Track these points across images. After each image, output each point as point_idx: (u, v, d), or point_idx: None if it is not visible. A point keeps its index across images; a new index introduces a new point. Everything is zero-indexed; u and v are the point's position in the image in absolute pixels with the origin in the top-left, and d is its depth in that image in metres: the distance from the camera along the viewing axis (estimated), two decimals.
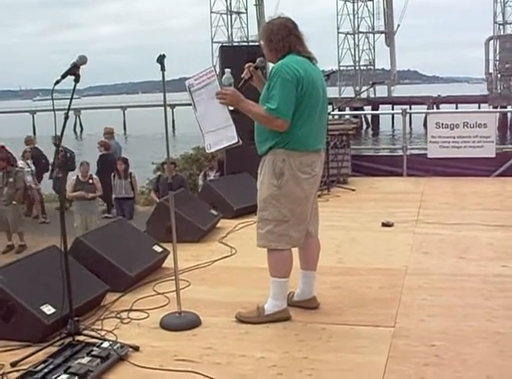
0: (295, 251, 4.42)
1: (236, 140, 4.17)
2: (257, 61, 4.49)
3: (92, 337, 4.05)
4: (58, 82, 3.88)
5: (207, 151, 4.42)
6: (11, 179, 12.11)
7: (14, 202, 12.14)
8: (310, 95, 4.15)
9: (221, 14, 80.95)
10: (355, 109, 55.03)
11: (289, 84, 4.05)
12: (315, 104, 4.21)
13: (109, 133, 14.91)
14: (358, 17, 77.39)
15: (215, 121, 4.23)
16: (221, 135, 4.21)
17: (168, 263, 5.53)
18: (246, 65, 4.42)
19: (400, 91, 78.66)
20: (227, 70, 4.28)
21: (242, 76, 4.40)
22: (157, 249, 5.70)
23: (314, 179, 4.33)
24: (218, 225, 7.30)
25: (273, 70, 4.13)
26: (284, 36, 4.20)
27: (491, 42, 66.26)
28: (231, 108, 4.20)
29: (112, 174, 12.95)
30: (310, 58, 4.29)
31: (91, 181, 11.77)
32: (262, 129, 4.22)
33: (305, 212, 4.35)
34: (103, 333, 4.19)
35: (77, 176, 11.74)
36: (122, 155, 13.93)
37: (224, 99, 4.16)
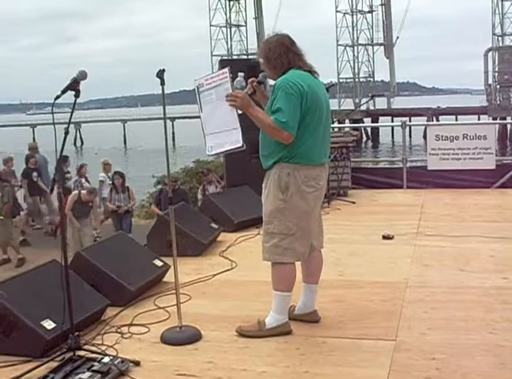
0: (297, 265, 4.41)
1: (240, 144, 4.12)
2: (260, 76, 4.49)
3: (93, 352, 4.04)
4: (58, 97, 3.88)
5: (207, 153, 4.37)
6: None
7: (1, 217, 12.04)
8: (314, 110, 4.17)
9: (221, 27, 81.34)
10: (355, 121, 55.18)
11: (294, 98, 4.07)
12: (319, 118, 4.23)
13: (33, 148, 15.18)
14: (357, 30, 77.82)
15: (221, 122, 4.20)
16: (225, 138, 4.17)
17: (169, 277, 5.52)
18: (250, 81, 4.42)
19: (399, 102, 78.89)
20: (241, 74, 4.27)
21: (245, 91, 4.40)
22: (158, 263, 5.69)
23: (319, 193, 4.34)
24: (219, 238, 7.29)
25: (277, 85, 4.14)
26: (282, 53, 4.21)
27: (490, 53, 66.44)
28: (240, 112, 4.18)
29: (109, 189, 12.97)
30: (312, 72, 4.31)
31: (90, 203, 11.74)
32: (268, 143, 4.22)
33: (310, 225, 4.36)
34: (103, 348, 4.19)
35: (79, 193, 11.66)
36: (51, 170, 14.05)
37: (234, 102, 4.16)
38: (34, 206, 14.20)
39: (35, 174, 14.20)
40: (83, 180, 13.77)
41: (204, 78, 4.29)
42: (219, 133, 4.21)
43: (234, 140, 4.15)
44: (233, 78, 4.26)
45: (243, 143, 4.12)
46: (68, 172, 14.39)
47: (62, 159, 14.08)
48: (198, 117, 4.34)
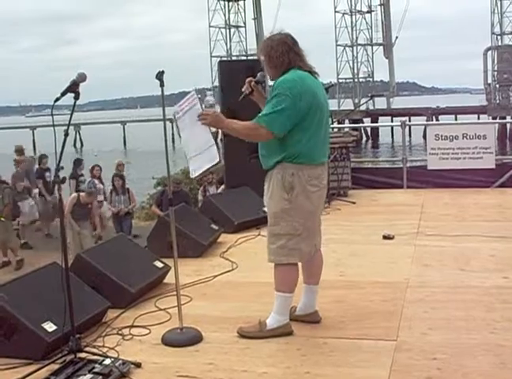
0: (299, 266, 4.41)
1: (218, 160, 4.21)
2: (258, 75, 4.50)
3: (94, 354, 4.04)
4: (57, 100, 3.89)
5: (191, 176, 4.47)
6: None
7: (2, 218, 12.09)
8: (315, 110, 4.17)
9: (220, 28, 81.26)
10: (355, 121, 55.16)
11: (287, 98, 4.06)
12: (320, 118, 4.24)
13: (19, 151, 15.26)
14: (356, 30, 77.74)
15: (197, 144, 4.30)
16: (203, 158, 4.27)
17: (169, 278, 5.51)
18: (247, 80, 4.43)
19: (399, 102, 78.87)
20: (209, 92, 4.36)
21: (243, 90, 4.41)
22: (158, 264, 5.69)
23: (322, 192, 4.36)
24: (219, 240, 7.29)
25: (276, 84, 4.15)
26: (284, 52, 4.20)
27: (489, 52, 66.41)
28: (213, 130, 4.25)
29: (109, 191, 12.98)
30: (312, 72, 4.31)
31: (90, 205, 11.77)
32: (268, 142, 4.22)
33: (314, 224, 4.38)
34: (104, 350, 4.18)
35: (79, 196, 11.65)
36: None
37: (205, 120, 4.19)
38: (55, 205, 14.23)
39: (47, 174, 14.27)
40: (96, 181, 13.77)
41: (178, 106, 4.41)
42: (198, 154, 4.31)
43: (211, 157, 4.23)
44: (201, 98, 4.33)
45: (220, 158, 4.23)
46: (82, 175, 14.38)
47: (77, 162, 14.18)
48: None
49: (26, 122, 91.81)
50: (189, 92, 4.47)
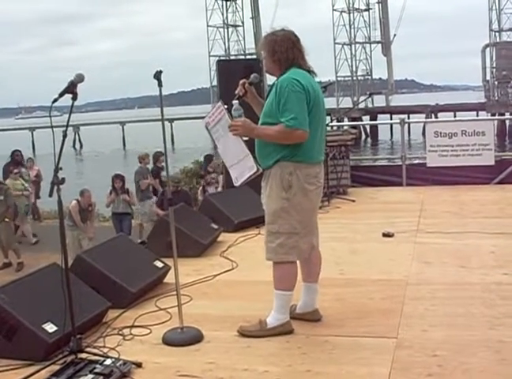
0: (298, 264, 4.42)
1: (255, 170, 4.22)
2: (252, 77, 4.49)
3: (95, 354, 4.04)
4: (55, 100, 3.88)
5: (235, 184, 4.45)
6: (1, 197, 12.12)
7: (7, 219, 12.16)
8: (316, 109, 4.20)
9: (218, 28, 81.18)
10: (354, 119, 55.06)
11: (301, 96, 4.09)
12: (319, 117, 4.26)
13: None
14: (354, 28, 77.63)
15: (234, 154, 4.32)
16: (243, 167, 4.28)
17: (169, 278, 5.51)
18: (241, 82, 4.43)
19: (398, 100, 78.70)
20: (235, 102, 4.32)
21: (236, 92, 4.41)
22: (158, 264, 5.69)
23: (320, 190, 4.38)
24: (219, 239, 7.29)
25: (281, 84, 4.14)
26: (288, 48, 4.23)
27: (488, 49, 66.37)
28: (246, 138, 4.25)
29: (109, 191, 13.01)
30: (310, 72, 4.32)
31: (90, 208, 11.86)
32: (266, 142, 4.24)
33: (312, 223, 4.39)
34: (105, 350, 4.18)
35: (78, 201, 11.73)
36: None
37: (236, 131, 4.21)
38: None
39: (163, 173, 13.96)
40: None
41: (208, 116, 4.44)
42: (236, 164, 4.33)
43: (249, 166, 4.25)
44: (229, 108, 4.31)
45: (257, 167, 4.22)
46: (210, 172, 13.89)
47: (208, 158, 13.87)
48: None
49: (16, 124, 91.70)
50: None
